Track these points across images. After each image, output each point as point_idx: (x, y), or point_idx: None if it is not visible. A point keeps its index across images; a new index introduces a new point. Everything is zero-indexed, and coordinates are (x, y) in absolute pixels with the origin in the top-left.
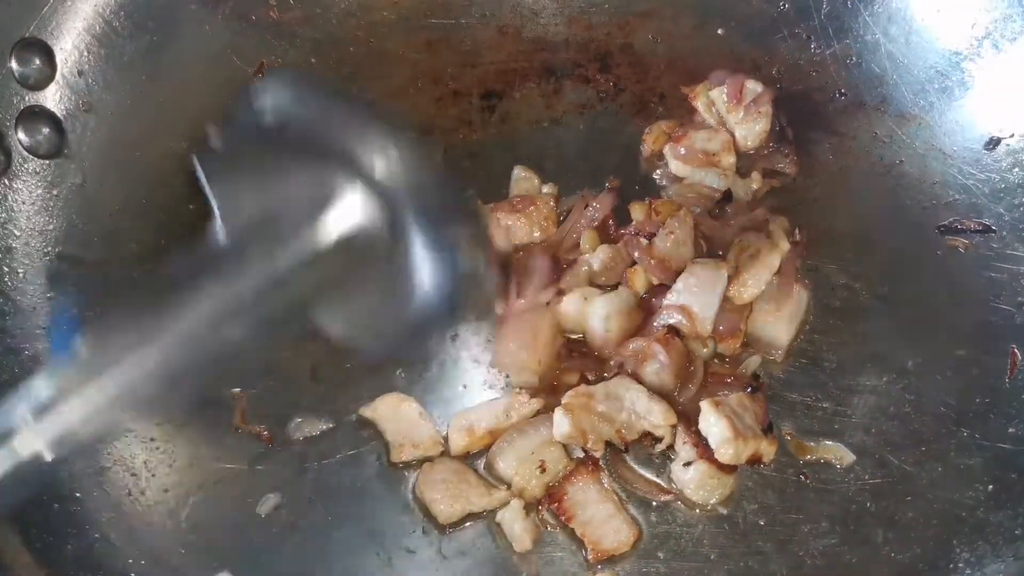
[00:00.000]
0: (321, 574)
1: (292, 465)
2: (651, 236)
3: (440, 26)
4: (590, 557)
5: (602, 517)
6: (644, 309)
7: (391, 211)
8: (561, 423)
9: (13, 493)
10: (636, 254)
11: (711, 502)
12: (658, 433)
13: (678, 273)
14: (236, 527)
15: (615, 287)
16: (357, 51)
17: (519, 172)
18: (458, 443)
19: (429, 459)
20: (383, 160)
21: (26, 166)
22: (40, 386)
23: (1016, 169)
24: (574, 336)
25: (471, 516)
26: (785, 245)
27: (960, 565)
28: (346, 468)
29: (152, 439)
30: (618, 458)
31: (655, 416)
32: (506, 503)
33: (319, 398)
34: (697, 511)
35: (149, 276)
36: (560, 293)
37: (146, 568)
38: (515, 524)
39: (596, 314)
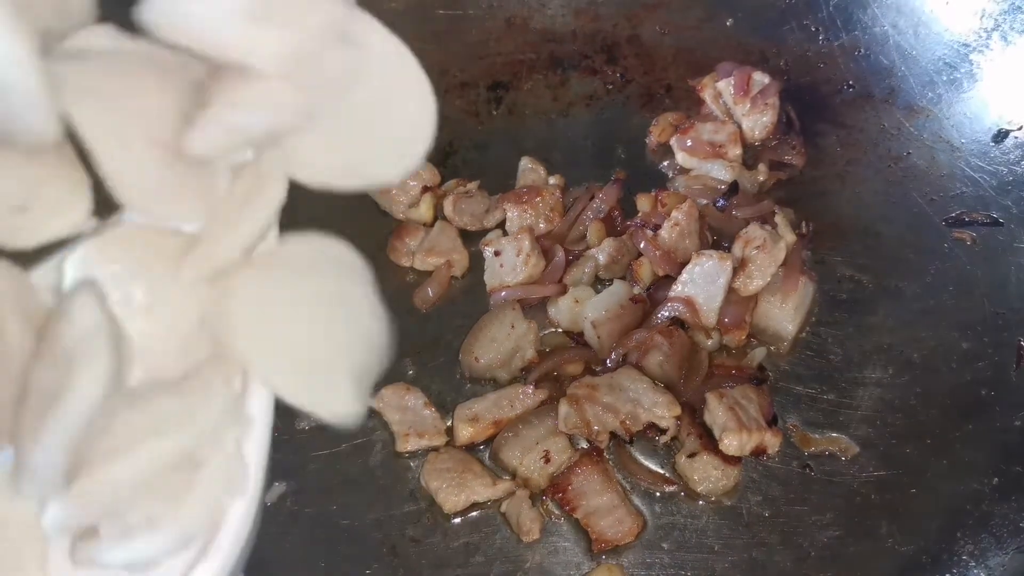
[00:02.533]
0: (326, 563)
1: (298, 454)
2: (656, 228)
3: (447, 17)
4: (593, 547)
5: (606, 507)
6: (648, 301)
7: None
8: (566, 413)
9: None
10: (642, 245)
11: (715, 493)
12: (662, 424)
13: (683, 265)
14: None
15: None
16: None
17: (526, 163)
18: (463, 433)
19: (434, 448)
20: None
21: None
22: None
23: None
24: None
25: (476, 506)
26: (791, 237)
27: (964, 557)
28: (352, 457)
29: None
30: (622, 449)
31: (659, 407)
32: (511, 493)
33: None
34: (701, 502)
35: None
36: (564, 289)
37: None
38: (521, 514)
39: (586, 319)
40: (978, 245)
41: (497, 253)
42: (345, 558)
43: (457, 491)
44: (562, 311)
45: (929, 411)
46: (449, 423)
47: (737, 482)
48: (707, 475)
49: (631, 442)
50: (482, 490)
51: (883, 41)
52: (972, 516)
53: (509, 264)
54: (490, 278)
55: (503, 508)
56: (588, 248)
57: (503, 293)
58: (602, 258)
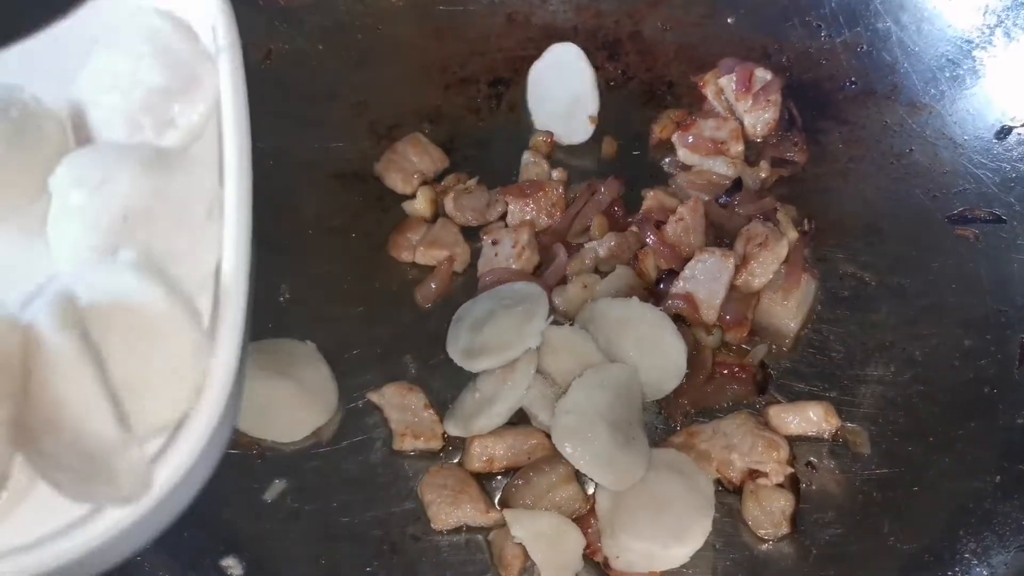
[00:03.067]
0: (326, 560)
1: (298, 452)
2: (660, 224)
3: (448, 13)
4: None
5: None
6: (651, 295)
7: None
8: None
9: None
10: (648, 235)
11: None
12: None
13: (687, 260)
14: (242, 513)
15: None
16: (365, 38)
17: (528, 156)
18: (475, 466)
19: (430, 451)
20: None
21: None
22: None
23: None
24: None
25: (466, 528)
26: (793, 234)
27: (966, 556)
28: (352, 454)
29: None
30: None
31: None
32: (501, 525)
33: None
34: None
35: None
36: (564, 279)
37: (151, 553)
38: (505, 548)
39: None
40: (981, 242)
41: (495, 242)
42: (345, 556)
43: (449, 510)
44: (571, 297)
45: (931, 409)
46: (445, 430)
47: None
48: None
49: None
50: (474, 515)
51: (886, 37)
52: (975, 514)
53: (504, 254)
54: (482, 265)
55: (490, 536)
56: (590, 239)
57: (488, 277)
58: (602, 251)
